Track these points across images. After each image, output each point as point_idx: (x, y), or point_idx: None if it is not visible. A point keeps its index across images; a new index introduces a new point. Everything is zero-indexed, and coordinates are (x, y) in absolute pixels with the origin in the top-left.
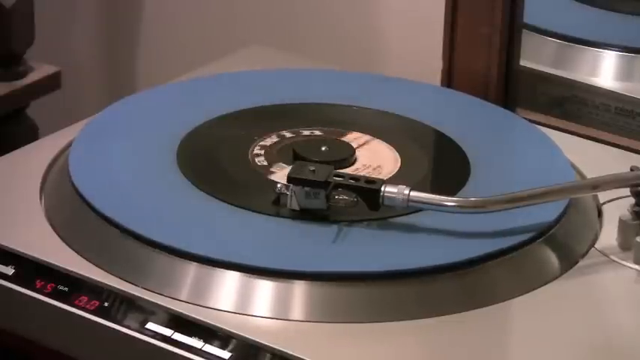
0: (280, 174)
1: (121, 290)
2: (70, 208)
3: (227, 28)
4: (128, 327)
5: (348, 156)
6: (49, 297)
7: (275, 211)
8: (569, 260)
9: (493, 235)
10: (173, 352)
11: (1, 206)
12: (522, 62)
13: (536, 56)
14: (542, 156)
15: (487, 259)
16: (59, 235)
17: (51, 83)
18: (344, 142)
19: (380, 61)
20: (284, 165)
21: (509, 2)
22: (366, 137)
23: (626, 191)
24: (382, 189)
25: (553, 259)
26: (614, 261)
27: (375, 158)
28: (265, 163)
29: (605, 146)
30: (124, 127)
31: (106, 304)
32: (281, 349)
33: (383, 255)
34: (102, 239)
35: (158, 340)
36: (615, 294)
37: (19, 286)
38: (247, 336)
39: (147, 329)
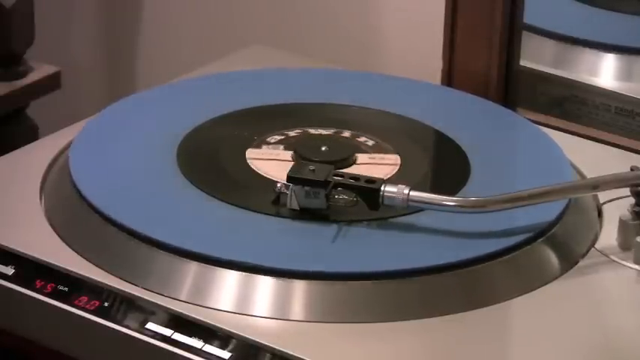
0: (261, 151)
1: (121, 290)
2: (70, 208)
3: (227, 28)
4: (128, 327)
5: (348, 156)
6: (49, 297)
7: (275, 211)
8: (569, 260)
9: (493, 235)
10: (173, 352)
11: (1, 206)
12: (522, 62)
13: (536, 56)
14: (543, 155)
15: (487, 259)
16: (59, 235)
17: (51, 83)
18: (344, 142)
19: (380, 60)
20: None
21: (509, 3)
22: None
23: (626, 191)
24: (382, 188)
25: (553, 259)
26: (614, 261)
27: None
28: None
29: (605, 146)
30: (124, 127)
31: (106, 304)
32: (281, 349)
33: (383, 255)
34: (102, 239)
35: (158, 340)
36: (615, 294)
37: (19, 286)
38: (247, 336)
39: (147, 329)
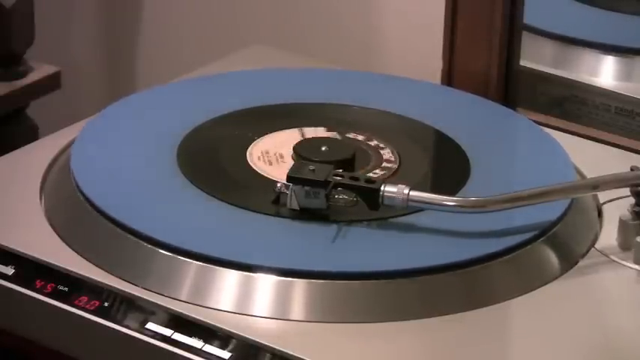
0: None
1: (121, 290)
2: (71, 208)
3: (227, 28)
4: (128, 327)
5: (348, 156)
6: (49, 297)
7: (275, 211)
8: (569, 260)
9: (493, 235)
10: (173, 352)
11: (1, 206)
12: (522, 62)
13: (536, 56)
14: (543, 155)
15: (487, 259)
16: (59, 235)
17: (51, 83)
18: (344, 142)
19: (380, 60)
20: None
21: (509, 3)
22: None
23: (626, 191)
24: (382, 188)
25: (553, 259)
26: (614, 261)
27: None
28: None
29: (605, 146)
30: (124, 127)
31: (106, 304)
32: (281, 349)
33: (383, 255)
34: (102, 239)
35: (158, 340)
36: (615, 294)
37: (19, 286)
38: (247, 336)
39: (147, 329)
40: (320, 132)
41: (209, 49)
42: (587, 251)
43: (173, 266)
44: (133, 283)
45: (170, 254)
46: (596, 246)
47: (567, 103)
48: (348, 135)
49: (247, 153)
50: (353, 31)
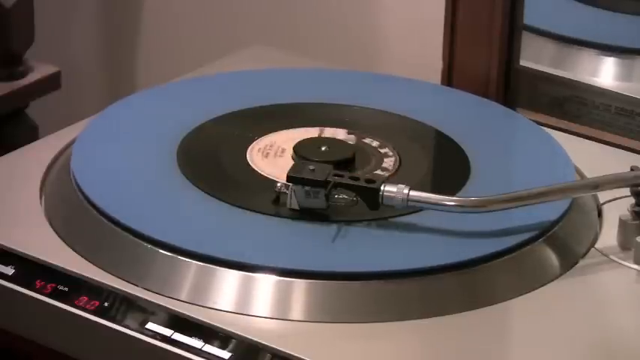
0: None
1: (121, 290)
2: (71, 208)
3: (227, 28)
4: (128, 327)
5: (348, 156)
6: (49, 297)
7: (275, 211)
8: (569, 260)
9: (493, 235)
10: (173, 352)
11: (1, 206)
12: (522, 62)
13: (536, 56)
14: (543, 155)
15: (487, 259)
16: (59, 235)
17: (51, 83)
18: (344, 142)
19: (380, 60)
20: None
21: (509, 3)
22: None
23: (626, 191)
24: (382, 188)
25: (553, 259)
26: (614, 261)
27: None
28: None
29: (605, 146)
30: (124, 127)
31: (106, 304)
32: (281, 349)
33: (383, 255)
34: (102, 239)
35: (158, 340)
36: (615, 294)
37: (19, 286)
38: (247, 336)
39: (147, 329)
40: (323, 132)
41: (209, 49)
42: (587, 251)
43: (173, 266)
44: (133, 283)
45: (170, 254)
46: (596, 246)
47: (567, 103)
48: (349, 135)
49: (247, 153)
50: (353, 31)
